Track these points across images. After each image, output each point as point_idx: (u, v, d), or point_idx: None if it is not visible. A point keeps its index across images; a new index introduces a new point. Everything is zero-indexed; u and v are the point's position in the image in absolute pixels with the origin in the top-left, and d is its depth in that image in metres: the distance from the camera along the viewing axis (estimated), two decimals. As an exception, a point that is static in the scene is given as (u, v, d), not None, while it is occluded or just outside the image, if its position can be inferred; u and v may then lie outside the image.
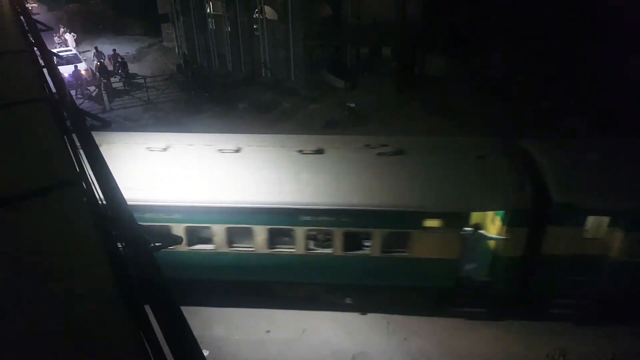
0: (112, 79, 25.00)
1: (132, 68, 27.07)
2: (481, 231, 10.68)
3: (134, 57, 29.96)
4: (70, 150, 3.64)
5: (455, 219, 10.04)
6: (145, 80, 24.75)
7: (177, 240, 4.37)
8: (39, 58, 5.98)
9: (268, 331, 11.21)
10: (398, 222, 10.17)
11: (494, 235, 10.41)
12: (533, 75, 21.39)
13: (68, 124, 4.37)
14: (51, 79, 5.35)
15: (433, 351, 10.72)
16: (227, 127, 20.20)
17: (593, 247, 10.16)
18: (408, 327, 11.29)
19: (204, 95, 24.22)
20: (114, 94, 24.24)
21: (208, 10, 27.81)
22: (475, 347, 10.76)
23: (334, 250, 10.49)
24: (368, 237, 10.46)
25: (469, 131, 17.96)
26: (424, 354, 10.67)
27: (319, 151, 10.74)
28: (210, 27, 27.96)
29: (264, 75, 26.85)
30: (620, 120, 16.78)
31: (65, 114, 4.55)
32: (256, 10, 25.52)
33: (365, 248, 10.58)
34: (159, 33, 32.91)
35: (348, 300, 11.61)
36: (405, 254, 10.40)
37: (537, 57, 21.54)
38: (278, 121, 21.57)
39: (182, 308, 2.26)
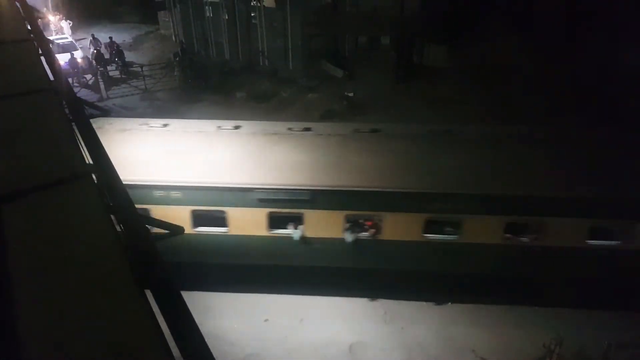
0: (109, 67, 24.81)
1: (129, 56, 26.86)
2: None
3: (130, 45, 29.71)
4: (77, 140, 3.65)
5: None
6: (142, 69, 24.56)
7: (179, 230, 4.37)
8: (37, 46, 5.92)
9: (266, 320, 11.28)
10: None
11: None
12: (535, 65, 21.31)
13: (67, 113, 4.35)
14: (49, 68, 5.31)
15: (429, 341, 10.81)
16: (225, 116, 20.09)
17: None
18: (405, 316, 11.37)
19: (202, 84, 24.08)
20: (110, 82, 24.08)
21: (205, -2, 27.58)
22: (472, 337, 10.85)
23: None
24: None
25: (466, 122, 17.92)
26: (419, 343, 10.76)
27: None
28: (208, 14, 27.69)
29: (261, 64, 26.67)
30: (620, 113, 16.76)
31: (64, 103, 4.53)
32: (254, -3, 25.30)
33: None
34: (155, 21, 32.60)
35: None
36: None
37: (539, 46, 21.45)
38: (276, 110, 21.49)
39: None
